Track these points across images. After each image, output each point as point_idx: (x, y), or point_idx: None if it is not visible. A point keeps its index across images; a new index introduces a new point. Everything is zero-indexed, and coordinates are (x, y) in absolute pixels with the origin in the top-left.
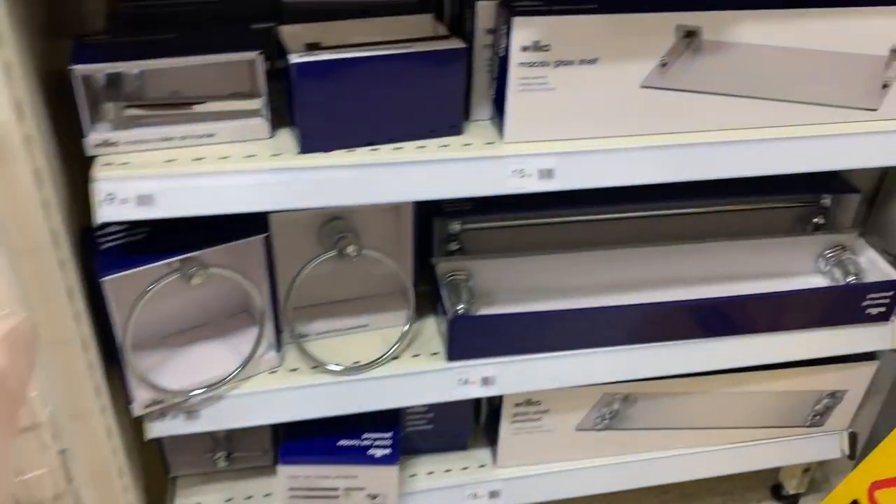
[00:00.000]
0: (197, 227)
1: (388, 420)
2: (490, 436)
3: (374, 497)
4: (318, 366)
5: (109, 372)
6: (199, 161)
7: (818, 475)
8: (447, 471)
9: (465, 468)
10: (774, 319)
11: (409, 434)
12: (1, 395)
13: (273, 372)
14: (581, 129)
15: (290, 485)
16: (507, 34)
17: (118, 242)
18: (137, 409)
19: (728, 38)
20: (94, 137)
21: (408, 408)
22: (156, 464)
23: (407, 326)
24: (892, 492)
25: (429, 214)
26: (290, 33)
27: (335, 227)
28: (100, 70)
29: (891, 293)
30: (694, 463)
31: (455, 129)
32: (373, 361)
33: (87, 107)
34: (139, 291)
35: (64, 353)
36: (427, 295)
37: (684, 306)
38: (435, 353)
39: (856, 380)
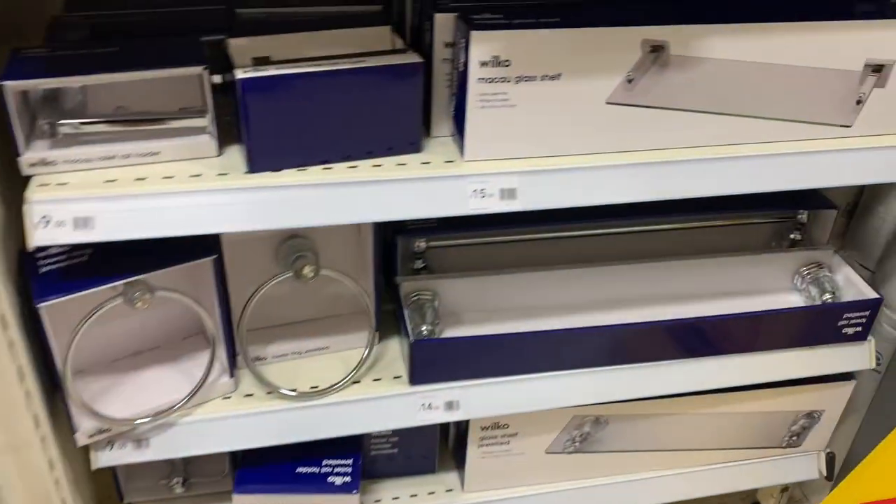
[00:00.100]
0: (144, 248)
1: (349, 445)
2: (459, 459)
3: None
4: (272, 391)
5: (54, 400)
6: (142, 181)
7: (797, 493)
8: (413, 496)
9: (431, 493)
10: (750, 340)
11: (374, 457)
12: None
13: (227, 397)
14: (545, 147)
15: None
16: (466, 49)
17: (58, 266)
18: (81, 439)
19: (696, 53)
20: (29, 156)
21: (371, 432)
22: (110, 490)
23: (367, 351)
24: None
25: (393, 231)
26: (239, 47)
27: (293, 245)
28: (32, 86)
29: (867, 313)
30: (668, 486)
31: (414, 146)
32: (331, 386)
33: (20, 124)
34: (81, 317)
35: None
36: (392, 314)
37: (656, 327)
38: (397, 377)
39: (833, 400)
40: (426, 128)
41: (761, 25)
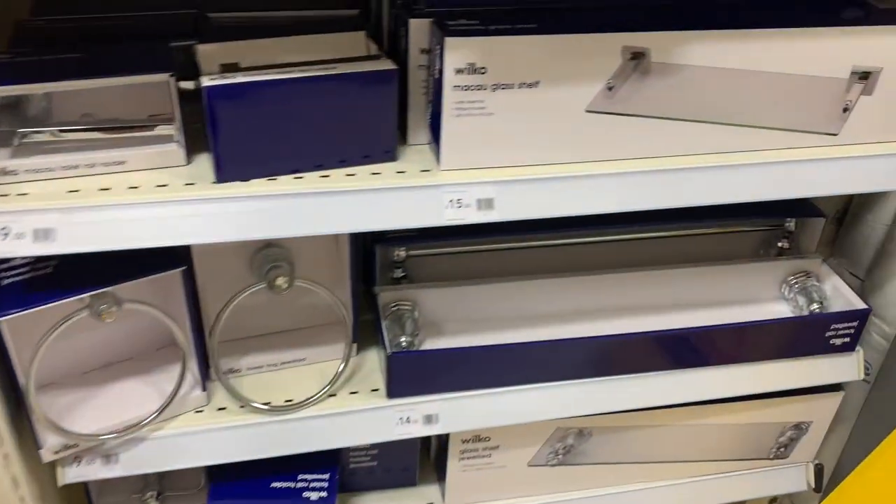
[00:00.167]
0: (111, 259)
1: (325, 459)
2: (440, 471)
3: None
4: (245, 405)
5: (19, 415)
6: (106, 192)
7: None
8: None
9: None
10: (736, 351)
11: (353, 470)
12: None
13: (199, 411)
14: (523, 157)
15: None
16: (441, 55)
17: (22, 278)
18: (46, 455)
19: (678, 60)
20: None
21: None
22: None
23: (343, 365)
24: None
25: (372, 240)
26: (207, 53)
27: (268, 255)
28: None
29: (855, 323)
30: (653, 498)
31: (389, 154)
32: (306, 400)
33: None
34: (46, 330)
35: None
36: (373, 324)
37: (641, 338)
38: (375, 390)
39: (821, 411)
40: (402, 136)
41: (745, 32)
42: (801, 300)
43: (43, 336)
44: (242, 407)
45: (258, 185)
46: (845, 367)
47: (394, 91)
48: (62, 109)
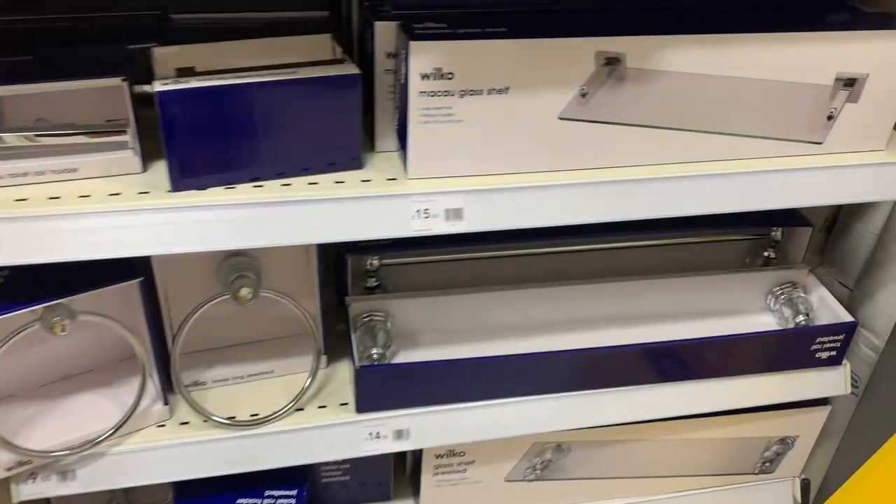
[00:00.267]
0: (66, 269)
1: (294, 475)
2: (415, 486)
3: None
4: (207, 419)
5: None
6: (55, 201)
7: None
8: None
9: None
10: (718, 365)
11: (325, 484)
12: None
13: (161, 425)
14: (493, 165)
15: None
16: (406, 60)
17: None
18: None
19: (654, 66)
20: None
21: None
22: None
23: (309, 380)
24: None
25: (345, 248)
26: (164, 56)
27: (234, 264)
28: None
29: (841, 337)
30: None
31: (356, 162)
32: (271, 415)
33: None
34: None
35: None
36: (345, 335)
37: (621, 352)
38: (344, 404)
39: (807, 425)
40: (371, 143)
41: (724, 37)
42: (787, 312)
43: None
44: (206, 421)
45: (215, 195)
46: (832, 381)
47: (357, 96)
48: (14, 114)
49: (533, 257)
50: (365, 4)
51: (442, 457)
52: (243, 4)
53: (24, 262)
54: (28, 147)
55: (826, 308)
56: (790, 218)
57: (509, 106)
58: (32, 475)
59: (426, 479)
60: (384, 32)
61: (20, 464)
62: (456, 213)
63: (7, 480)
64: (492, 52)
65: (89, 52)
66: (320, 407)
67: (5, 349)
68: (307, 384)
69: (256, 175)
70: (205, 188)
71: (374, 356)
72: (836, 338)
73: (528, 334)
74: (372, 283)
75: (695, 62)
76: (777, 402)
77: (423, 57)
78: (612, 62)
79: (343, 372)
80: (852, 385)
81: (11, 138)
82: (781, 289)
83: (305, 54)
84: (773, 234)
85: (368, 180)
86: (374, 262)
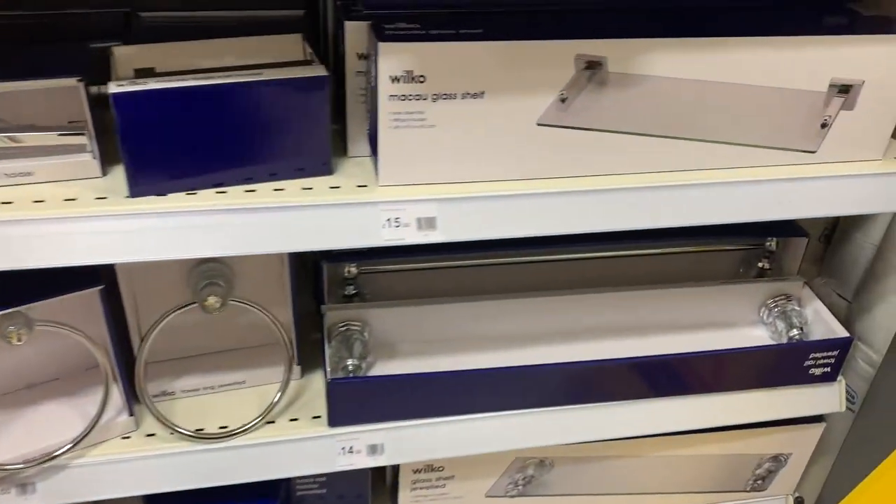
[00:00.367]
0: (24, 276)
1: (265, 489)
2: (395, 499)
3: None
4: (173, 431)
5: None
6: (7, 206)
7: None
8: None
9: None
10: (708, 380)
11: (301, 497)
12: None
13: (126, 437)
14: (468, 172)
15: None
16: (376, 62)
17: None
18: None
19: (637, 70)
20: None
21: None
22: None
23: (279, 394)
24: None
25: (321, 255)
26: (124, 56)
27: (205, 271)
28: None
29: (836, 353)
30: None
31: (325, 167)
32: (241, 427)
33: None
34: None
35: None
36: (321, 344)
37: (608, 366)
38: (317, 417)
39: (801, 442)
40: (343, 147)
41: (711, 40)
42: (781, 325)
43: None
44: (172, 434)
45: (175, 201)
46: (825, 398)
47: (325, 99)
48: None
49: (519, 266)
50: (338, 3)
51: (420, 471)
52: (217, 3)
53: None
54: None
55: (821, 322)
56: (785, 228)
57: (485, 111)
58: None
59: (404, 494)
60: (355, 33)
61: None
62: (429, 223)
63: None
64: (465, 55)
65: (51, 51)
66: (292, 420)
67: None
68: (277, 397)
69: (220, 181)
70: (165, 194)
71: (350, 367)
72: (830, 353)
73: (512, 346)
74: (350, 291)
75: (680, 67)
76: (768, 420)
77: (393, 59)
78: (592, 66)
79: (318, 383)
80: (848, 401)
81: None
82: (775, 301)
83: (275, 55)
84: (768, 244)
85: (337, 187)
86: (352, 269)
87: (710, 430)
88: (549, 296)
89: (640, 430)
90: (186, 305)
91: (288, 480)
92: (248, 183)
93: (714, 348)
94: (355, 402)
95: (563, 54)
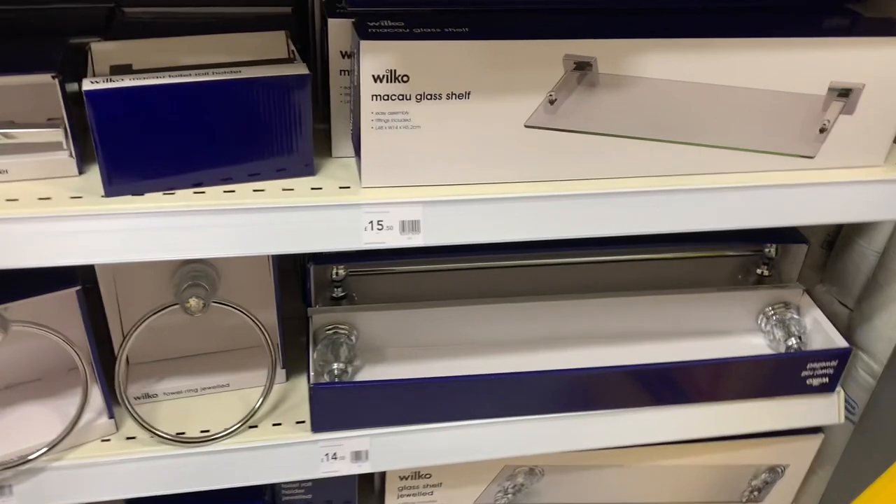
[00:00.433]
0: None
1: (249, 493)
2: None
3: None
4: (153, 434)
5: None
6: None
7: None
8: None
9: None
10: (703, 389)
11: (287, 502)
12: None
13: (106, 440)
14: (454, 175)
15: None
16: (358, 60)
17: None
18: None
19: (629, 72)
20: None
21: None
22: None
23: (262, 399)
24: None
25: (308, 256)
26: (102, 52)
27: (189, 271)
28: None
29: (835, 363)
30: None
31: (308, 168)
32: (222, 432)
33: None
34: None
35: None
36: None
37: (600, 374)
38: (301, 422)
39: (798, 454)
40: (328, 148)
41: (705, 41)
42: (779, 333)
43: None
44: (153, 437)
45: (151, 201)
46: (823, 409)
47: (307, 98)
48: None
49: (513, 269)
50: (324, 0)
51: (407, 478)
52: None
53: None
54: None
55: (820, 331)
56: (785, 234)
57: (471, 112)
58: None
59: (390, 501)
60: (338, 30)
61: None
62: (412, 226)
63: None
64: (450, 54)
65: (29, 46)
66: (275, 424)
67: None
68: (259, 402)
69: (199, 181)
70: (142, 193)
71: (336, 371)
72: (828, 364)
73: (504, 351)
74: (337, 293)
75: (673, 68)
76: (764, 431)
77: (376, 57)
78: (582, 67)
79: (304, 387)
80: (848, 412)
81: None
82: (773, 309)
83: (257, 52)
84: (767, 250)
85: (319, 188)
86: (340, 271)
87: (705, 440)
88: (543, 301)
89: (633, 439)
90: (167, 307)
91: (273, 485)
92: (227, 183)
93: (711, 356)
94: (339, 407)
95: (551, 54)
